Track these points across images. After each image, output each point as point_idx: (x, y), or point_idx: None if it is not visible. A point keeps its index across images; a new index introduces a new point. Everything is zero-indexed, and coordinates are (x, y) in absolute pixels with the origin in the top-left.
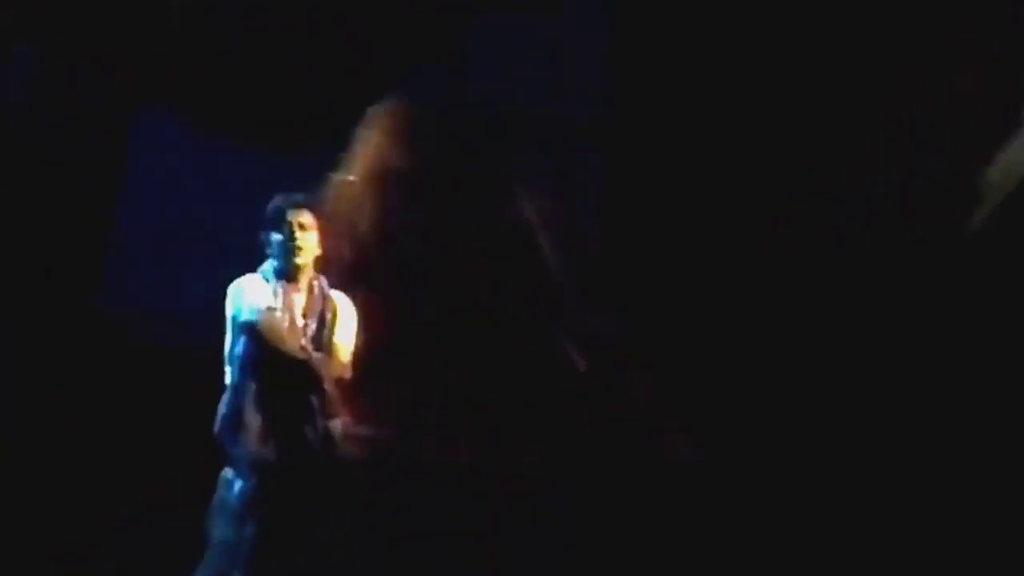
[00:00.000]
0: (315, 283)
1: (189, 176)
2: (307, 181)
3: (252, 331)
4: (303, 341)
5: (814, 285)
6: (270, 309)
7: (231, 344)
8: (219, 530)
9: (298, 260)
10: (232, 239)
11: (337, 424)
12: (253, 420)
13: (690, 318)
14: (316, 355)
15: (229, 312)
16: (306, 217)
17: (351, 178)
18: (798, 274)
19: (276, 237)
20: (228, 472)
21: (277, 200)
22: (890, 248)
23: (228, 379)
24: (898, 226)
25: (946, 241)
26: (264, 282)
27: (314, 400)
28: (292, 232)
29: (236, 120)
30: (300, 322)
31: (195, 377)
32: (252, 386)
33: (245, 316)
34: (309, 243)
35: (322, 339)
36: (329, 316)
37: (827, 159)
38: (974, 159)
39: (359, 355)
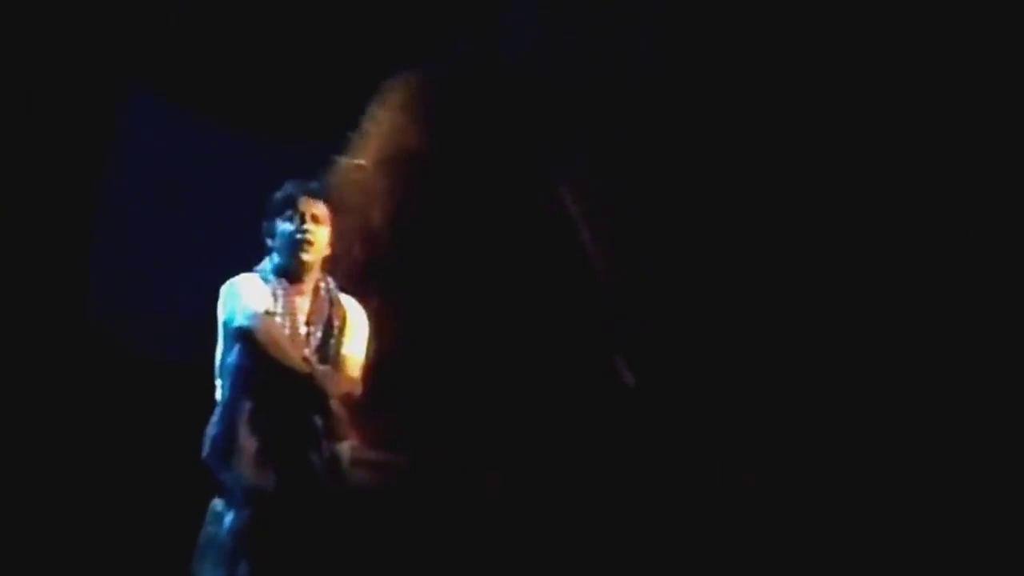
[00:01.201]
0: (321, 285)
1: (184, 168)
2: (313, 169)
3: (247, 339)
4: (306, 351)
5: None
6: (268, 313)
7: (222, 354)
8: (207, 571)
9: (306, 256)
10: (232, 237)
11: (345, 448)
12: (248, 443)
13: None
14: (321, 368)
15: (221, 316)
16: (321, 209)
17: (361, 162)
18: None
19: (283, 227)
20: (218, 503)
21: (289, 187)
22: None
23: (219, 395)
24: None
25: (945, 241)
26: (262, 282)
27: (319, 420)
28: (303, 223)
29: (236, 101)
30: (303, 329)
31: (186, 392)
32: (247, 403)
33: (239, 321)
34: (320, 239)
35: (328, 349)
36: (337, 323)
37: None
38: (974, 159)
39: (371, 368)
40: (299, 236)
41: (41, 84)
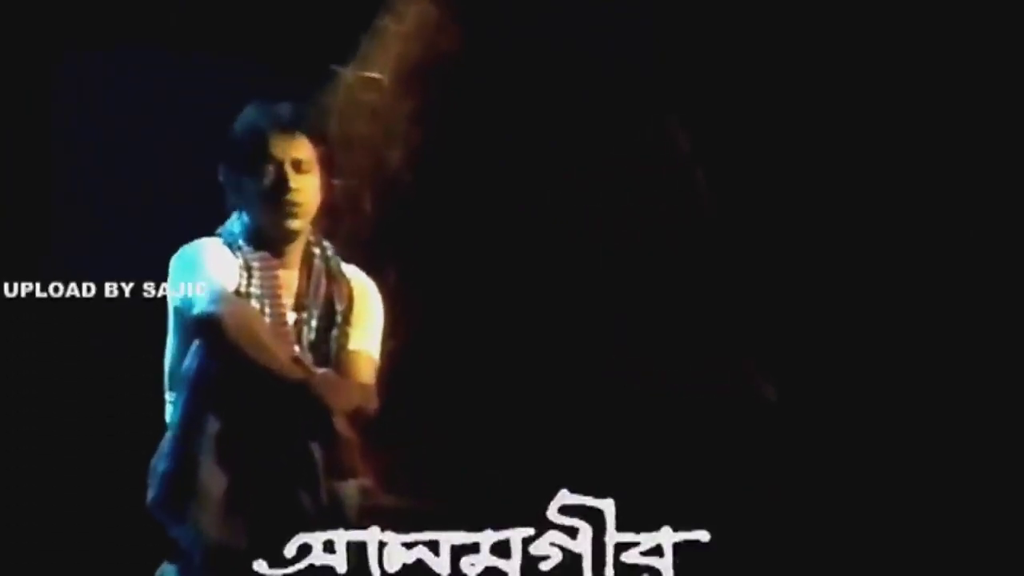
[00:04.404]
0: (315, 251)
1: (141, 115)
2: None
3: (211, 331)
4: (296, 348)
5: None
6: (240, 295)
7: (174, 355)
8: None
9: (292, 224)
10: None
11: (352, 489)
12: (212, 483)
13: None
14: (319, 372)
15: (172, 301)
16: (305, 149)
17: (375, 76)
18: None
19: (252, 184)
20: (169, 570)
21: (253, 114)
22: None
23: (170, 415)
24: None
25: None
26: (229, 250)
27: (316, 449)
28: (283, 175)
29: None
30: (291, 317)
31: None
32: (211, 426)
33: (199, 306)
34: (308, 193)
35: (329, 345)
36: (340, 307)
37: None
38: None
39: (389, 372)
40: (279, 198)
41: None
